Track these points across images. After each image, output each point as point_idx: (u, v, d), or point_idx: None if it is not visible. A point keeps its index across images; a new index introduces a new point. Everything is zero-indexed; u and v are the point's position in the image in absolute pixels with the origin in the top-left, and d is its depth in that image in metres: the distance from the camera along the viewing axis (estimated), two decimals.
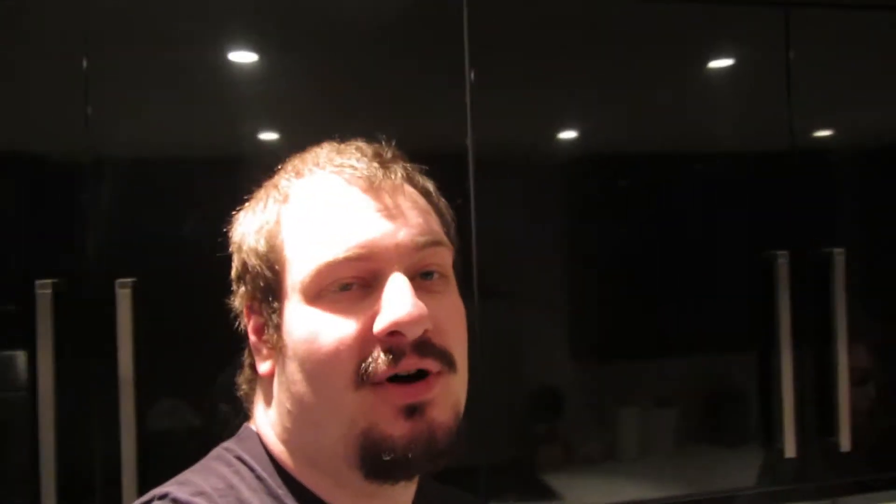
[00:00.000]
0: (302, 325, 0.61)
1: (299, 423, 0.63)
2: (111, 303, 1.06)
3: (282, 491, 0.64)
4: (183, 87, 1.13)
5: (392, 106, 1.19)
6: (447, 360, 0.62)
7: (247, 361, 0.70)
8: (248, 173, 1.10)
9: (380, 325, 0.59)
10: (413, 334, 0.59)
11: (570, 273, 1.27)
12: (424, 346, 0.60)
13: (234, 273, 0.69)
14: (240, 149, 1.15)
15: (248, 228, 0.67)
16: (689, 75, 1.31)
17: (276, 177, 0.69)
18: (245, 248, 0.66)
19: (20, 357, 1.06)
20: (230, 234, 0.70)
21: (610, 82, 1.28)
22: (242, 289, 0.67)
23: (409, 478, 0.63)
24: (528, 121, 1.24)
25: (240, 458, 0.66)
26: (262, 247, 0.64)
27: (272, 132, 1.17)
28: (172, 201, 1.13)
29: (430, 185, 0.70)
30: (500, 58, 1.23)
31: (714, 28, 1.32)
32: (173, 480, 0.64)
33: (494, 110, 1.21)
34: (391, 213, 0.63)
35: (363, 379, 0.59)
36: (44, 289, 1.04)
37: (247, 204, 0.70)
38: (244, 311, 0.68)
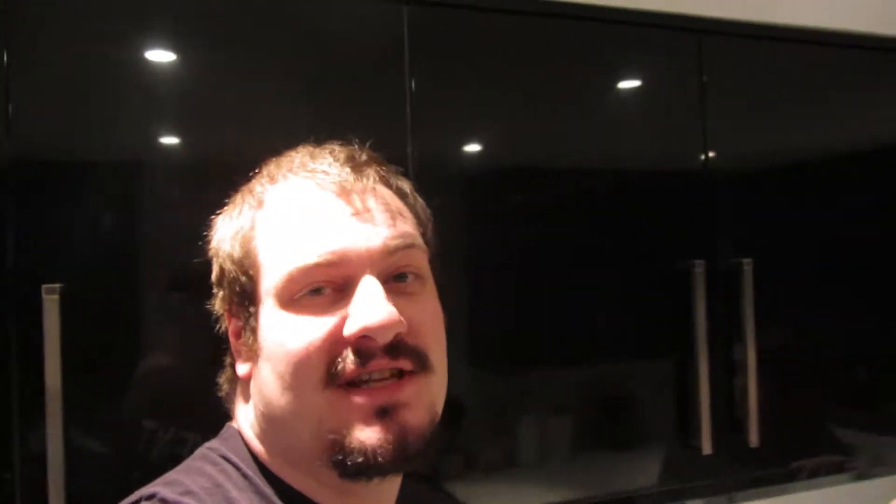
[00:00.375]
0: (275, 328, 0.61)
1: (273, 425, 0.64)
2: (37, 309, 1.01)
3: (268, 490, 0.63)
4: (106, 86, 1.09)
5: (331, 113, 1.19)
6: (421, 361, 0.62)
7: (228, 362, 0.71)
8: (172, 176, 1.11)
9: (349, 330, 0.59)
10: (384, 339, 0.60)
11: (471, 281, 1.29)
12: (397, 347, 0.61)
13: (213, 277, 0.69)
14: (160, 150, 1.12)
15: (224, 234, 0.67)
16: (609, 95, 1.39)
17: (252, 182, 0.69)
18: (222, 253, 0.67)
19: None
20: (209, 239, 0.70)
21: (532, 99, 1.33)
22: (221, 293, 0.68)
23: (382, 477, 0.62)
24: (435, 134, 1.26)
25: (225, 458, 0.66)
26: (237, 252, 0.65)
27: (194, 134, 1.14)
28: (93, 203, 1.08)
29: (406, 187, 0.70)
30: (439, 70, 1.25)
31: (631, 50, 1.41)
32: (159, 480, 0.63)
33: (432, 122, 1.23)
34: (363, 217, 0.63)
35: (332, 380, 0.59)
36: None
37: (224, 209, 0.70)
38: (224, 314, 0.69)
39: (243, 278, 0.64)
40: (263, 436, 0.66)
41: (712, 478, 1.39)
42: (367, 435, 0.59)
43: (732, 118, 1.45)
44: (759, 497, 1.51)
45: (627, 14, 1.37)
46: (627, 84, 1.40)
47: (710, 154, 1.42)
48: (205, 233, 0.71)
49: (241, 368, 0.66)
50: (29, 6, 1.05)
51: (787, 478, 1.49)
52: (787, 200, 1.48)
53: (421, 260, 0.67)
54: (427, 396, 0.63)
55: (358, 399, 0.60)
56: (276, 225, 0.64)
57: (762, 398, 1.38)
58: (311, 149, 0.69)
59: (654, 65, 1.41)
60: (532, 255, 1.30)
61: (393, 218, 0.65)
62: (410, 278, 0.65)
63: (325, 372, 0.60)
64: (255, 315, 0.64)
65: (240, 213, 0.67)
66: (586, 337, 1.34)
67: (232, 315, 0.67)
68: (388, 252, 0.63)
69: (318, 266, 0.61)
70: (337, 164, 0.66)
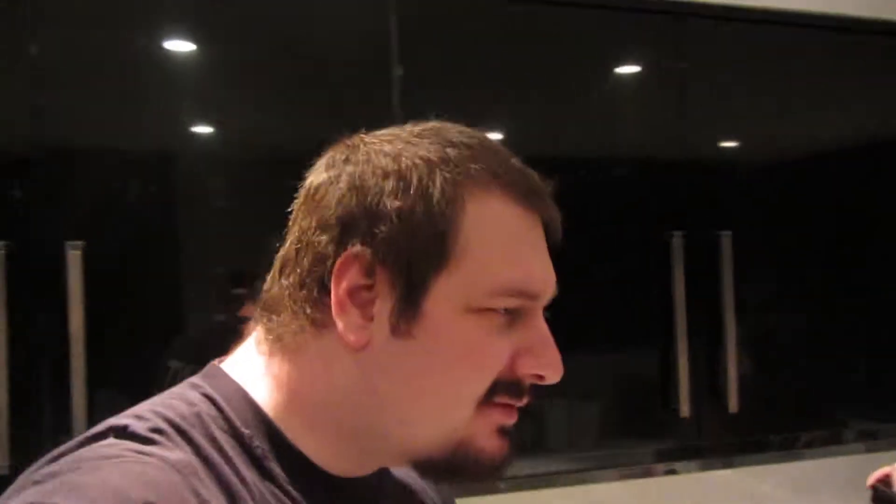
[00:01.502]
0: (463, 330, 0.61)
1: (372, 407, 0.62)
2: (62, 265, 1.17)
3: (259, 444, 0.61)
4: (124, 76, 1.26)
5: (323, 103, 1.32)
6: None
7: (305, 311, 0.63)
8: (197, 161, 1.26)
9: (533, 370, 0.62)
10: (552, 382, 0.63)
11: None
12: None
13: (346, 217, 0.62)
14: (173, 134, 1.28)
15: (414, 190, 0.62)
16: (599, 81, 1.48)
17: (443, 166, 0.63)
18: (399, 215, 0.61)
19: None
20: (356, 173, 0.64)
21: (525, 86, 1.43)
22: (361, 246, 0.61)
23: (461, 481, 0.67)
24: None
25: (209, 397, 0.63)
26: (427, 230, 0.61)
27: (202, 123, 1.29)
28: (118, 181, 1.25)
29: None
30: (427, 58, 1.37)
31: (619, 34, 1.49)
32: (130, 412, 0.60)
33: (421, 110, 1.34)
34: (550, 262, 0.66)
35: (485, 400, 0.61)
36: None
37: (389, 164, 0.63)
38: (348, 260, 0.61)
39: (419, 259, 0.61)
40: (325, 402, 0.63)
41: (688, 440, 1.45)
42: (492, 448, 0.63)
43: (716, 100, 1.52)
44: (740, 464, 1.55)
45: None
46: (619, 70, 1.49)
47: (694, 136, 1.49)
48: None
49: (358, 333, 0.61)
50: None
51: (762, 447, 1.54)
52: (766, 178, 1.53)
53: None
54: None
55: (495, 417, 0.63)
56: (492, 234, 0.62)
57: (743, 369, 1.44)
58: (498, 148, 0.67)
59: (643, 50, 1.50)
60: None
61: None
62: None
63: (486, 392, 0.61)
64: (424, 296, 0.61)
65: (424, 192, 0.62)
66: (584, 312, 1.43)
67: (367, 272, 0.61)
68: (552, 291, 0.66)
69: (530, 294, 0.62)
70: (542, 190, 0.66)
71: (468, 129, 0.66)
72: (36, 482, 0.53)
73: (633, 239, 1.47)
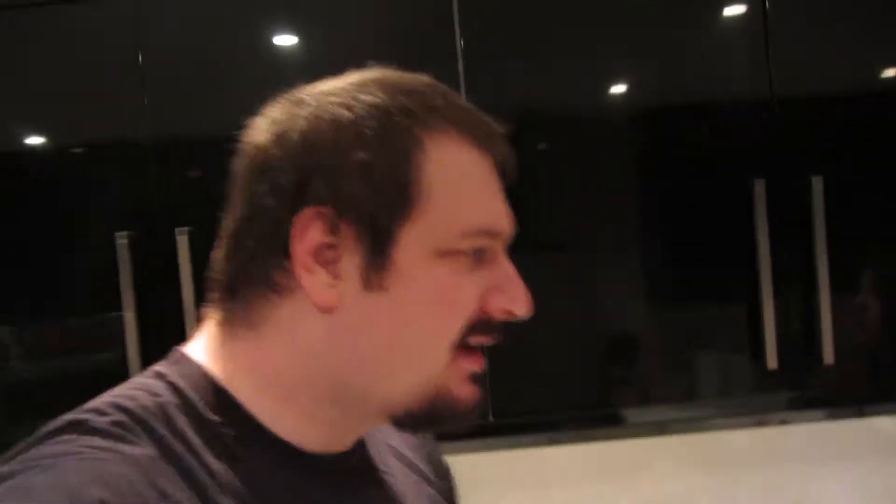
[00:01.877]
0: (431, 278, 0.60)
1: (348, 367, 0.61)
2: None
3: (227, 430, 0.60)
4: (224, 70, 1.39)
5: None
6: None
7: (267, 279, 0.61)
8: None
9: (504, 307, 0.62)
10: (522, 318, 0.63)
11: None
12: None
13: (302, 175, 0.59)
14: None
15: (371, 141, 0.59)
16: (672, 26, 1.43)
17: (393, 112, 0.60)
18: (359, 168, 0.59)
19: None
20: (312, 142, 0.60)
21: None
22: (321, 203, 0.59)
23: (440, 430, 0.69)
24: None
25: (174, 386, 0.61)
26: (383, 184, 0.59)
27: None
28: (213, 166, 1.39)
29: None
30: (490, 26, 1.40)
31: None
32: (89, 406, 0.58)
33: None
34: (505, 200, 0.65)
35: (461, 343, 0.61)
36: (121, 239, 1.34)
37: (342, 116, 0.60)
38: (306, 220, 0.59)
39: (386, 213, 0.59)
40: (298, 373, 0.61)
41: (774, 393, 1.42)
42: (466, 396, 0.62)
43: (799, 43, 1.42)
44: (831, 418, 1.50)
45: None
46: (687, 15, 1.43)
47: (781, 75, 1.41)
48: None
49: (327, 292, 0.59)
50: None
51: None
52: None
53: None
54: None
55: (467, 363, 0.62)
56: (454, 178, 0.61)
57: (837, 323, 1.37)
58: (447, 91, 0.64)
59: None
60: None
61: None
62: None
63: (460, 334, 0.61)
64: (391, 246, 0.59)
65: (383, 141, 0.59)
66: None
67: (330, 229, 0.59)
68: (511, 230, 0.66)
69: (494, 232, 0.63)
70: (495, 131, 0.65)
71: (411, 75, 0.64)
72: None
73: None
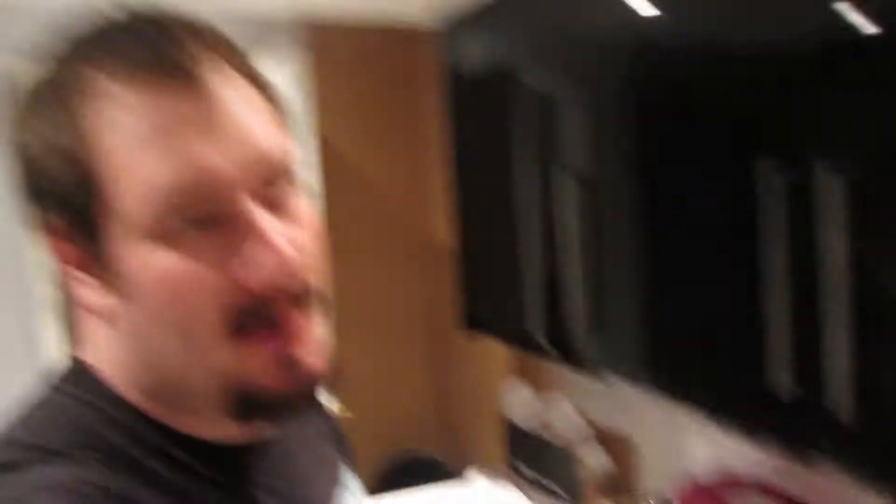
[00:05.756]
0: (150, 271, 0.53)
1: (155, 372, 0.58)
2: None
3: (151, 433, 0.58)
4: None
5: None
6: (315, 299, 0.58)
7: (61, 283, 0.66)
8: None
9: (251, 279, 0.53)
10: (290, 289, 0.55)
11: None
12: (297, 295, 0.56)
13: (27, 188, 0.56)
14: None
15: (33, 135, 0.54)
16: None
17: (57, 70, 0.54)
18: (44, 163, 0.54)
19: None
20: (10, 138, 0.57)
21: None
22: (44, 212, 0.56)
23: (281, 421, 0.62)
24: None
25: (83, 400, 0.58)
26: (67, 171, 0.53)
27: None
28: None
29: (253, 67, 0.58)
30: None
31: None
32: (11, 439, 0.56)
33: None
34: (223, 121, 0.53)
35: (232, 330, 0.54)
36: None
37: (29, 99, 0.56)
38: (48, 235, 0.56)
39: (79, 201, 0.53)
40: (135, 378, 0.59)
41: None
42: (276, 384, 0.56)
43: None
44: None
45: None
46: None
47: None
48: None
49: (92, 300, 0.56)
50: None
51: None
52: None
53: (293, 162, 0.58)
54: (320, 330, 0.60)
55: (262, 350, 0.56)
56: (123, 138, 0.52)
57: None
58: (113, 19, 0.54)
59: None
60: None
61: (258, 121, 0.56)
62: (285, 186, 0.57)
63: (222, 323, 0.54)
64: (105, 247, 0.54)
65: (51, 115, 0.53)
66: None
67: (62, 238, 0.56)
68: (265, 172, 0.55)
69: (197, 195, 0.52)
70: (177, 44, 0.53)
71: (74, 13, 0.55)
72: None
73: None
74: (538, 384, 2.39)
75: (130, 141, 0.51)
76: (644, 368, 1.39)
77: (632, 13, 1.28)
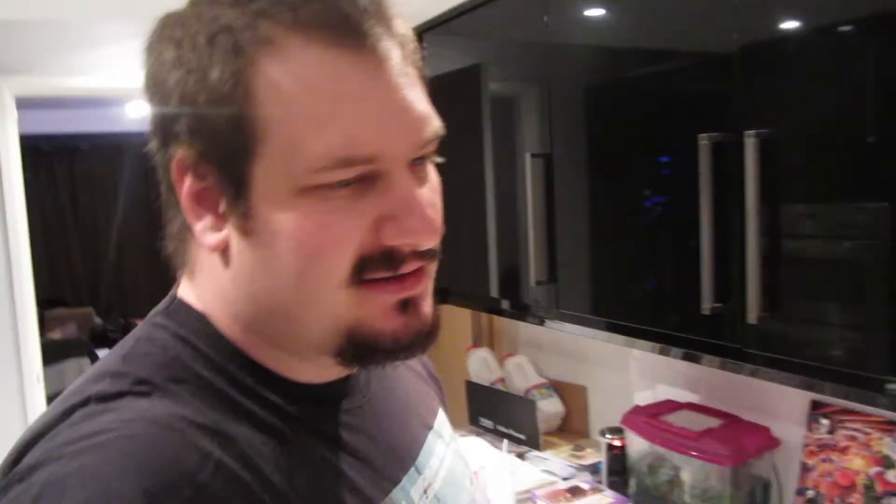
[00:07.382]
0: (294, 220, 0.54)
1: (269, 311, 0.59)
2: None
3: (243, 375, 0.59)
4: None
5: None
6: (436, 253, 0.61)
7: (172, 217, 0.62)
8: None
9: (395, 239, 0.55)
10: (426, 248, 0.57)
11: None
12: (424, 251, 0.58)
13: (155, 120, 0.58)
14: None
15: (195, 77, 0.53)
16: None
17: (222, 19, 0.53)
18: (198, 98, 0.53)
19: None
20: (153, 69, 0.57)
21: None
22: (186, 146, 0.56)
23: (390, 365, 0.63)
24: None
25: (181, 338, 0.60)
26: (225, 110, 0.53)
27: None
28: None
29: (407, 31, 0.59)
30: None
31: None
32: (105, 370, 0.57)
33: None
34: (398, 97, 0.55)
35: (357, 279, 0.56)
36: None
37: (170, 53, 0.55)
38: (178, 166, 0.57)
39: (232, 147, 0.53)
40: (244, 316, 0.60)
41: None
42: (393, 328, 0.57)
43: None
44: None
45: None
46: None
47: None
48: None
49: (211, 238, 0.57)
50: None
51: None
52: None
53: (437, 132, 0.59)
54: (433, 281, 0.62)
55: (381, 296, 0.57)
56: (296, 100, 0.52)
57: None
58: None
59: None
60: None
61: (419, 97, 0.57)
62: (427, 161, 0.60)
63: (351, 272, 0.55)
64: (250, 192, 0.55)
65: (206, 71, 0.53)
66: None
67: (193, 174, 0.56)
68: (421, 145, 0.57)
69: (360, 159, 0.53)
70: (357, 11, 0.53)
71: None
72: (20, 479, 0.49)
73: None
74: (498, 349, 2.71)
75: (304, 102, 0.52)
76: (594, 313, 1.68)
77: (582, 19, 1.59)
